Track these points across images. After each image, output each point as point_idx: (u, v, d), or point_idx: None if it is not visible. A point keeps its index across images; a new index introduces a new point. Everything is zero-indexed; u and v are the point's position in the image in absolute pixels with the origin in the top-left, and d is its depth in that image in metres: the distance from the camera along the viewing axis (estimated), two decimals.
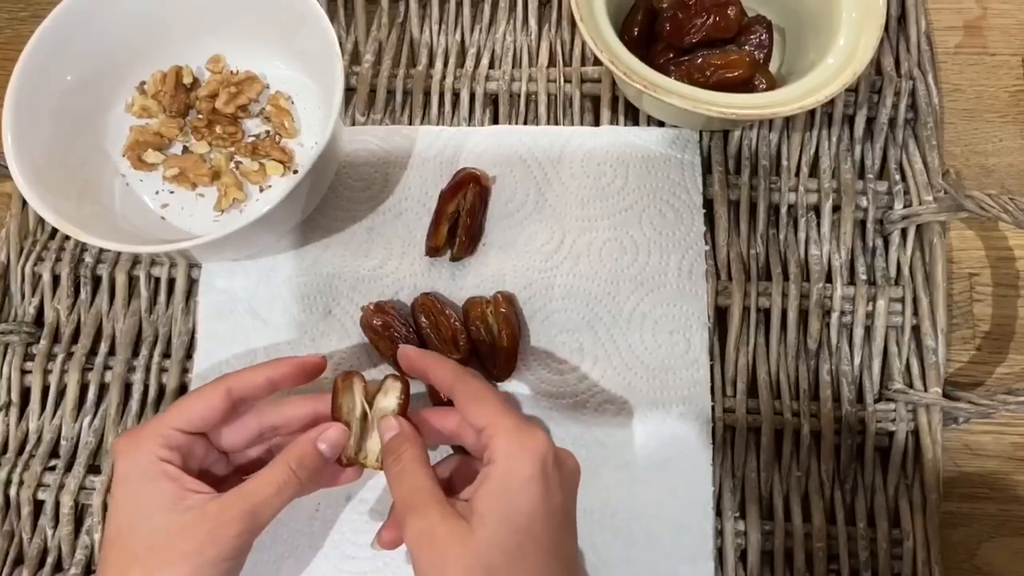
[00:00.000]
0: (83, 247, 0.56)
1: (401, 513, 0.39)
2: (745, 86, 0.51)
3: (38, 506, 0.52)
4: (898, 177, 0.55)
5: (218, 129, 0.55)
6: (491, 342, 0.50)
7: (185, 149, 0.56)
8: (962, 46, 0.60)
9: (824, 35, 0.51)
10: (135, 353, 0.54)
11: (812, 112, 0.56)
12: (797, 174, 0.55)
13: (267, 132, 0.56)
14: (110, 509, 0.40)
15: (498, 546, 0.37)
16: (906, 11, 0.58)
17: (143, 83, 0.56)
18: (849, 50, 0.49)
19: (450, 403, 0.44)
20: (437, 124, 0.58)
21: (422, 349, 0.47)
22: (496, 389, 0.42)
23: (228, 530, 0.38)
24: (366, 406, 0.44)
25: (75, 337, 0.54)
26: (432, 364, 0.45)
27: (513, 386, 0.51)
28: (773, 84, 0.52)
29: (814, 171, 0.56)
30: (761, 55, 0.53)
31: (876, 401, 0.51)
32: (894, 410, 0.51)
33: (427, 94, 0.58)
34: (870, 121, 0.56)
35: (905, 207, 0.54)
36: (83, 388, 0.53)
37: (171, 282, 0.55)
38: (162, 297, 0.55)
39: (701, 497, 0.49)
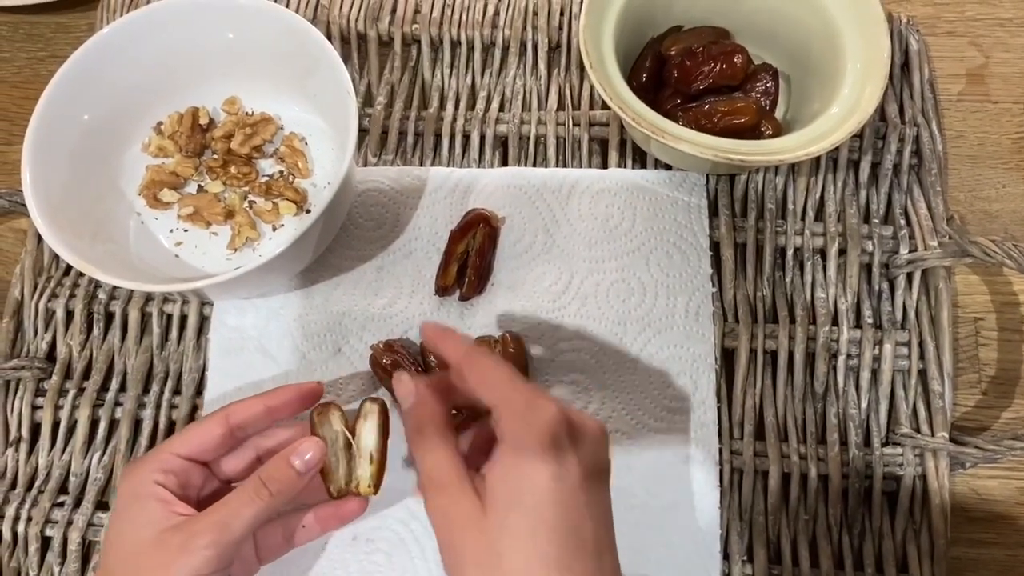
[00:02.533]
0: (97, 284, 0.56)
1: (423, 486, 0.39)
2: (751, 132, 0.52)
3: (45, 542, 0.52)
4: (903, 222, 0.55)
5: (233, 169, 0.56)
6: None
7: (200, 188, 0.57)
8: (965, 94, 0.61)
9: (829, 85, 0.51)
10: (146, 389, 0.54)
11: (817, 157, 0.57)
12: (803, 218, 0.56)
13: (281, 172, 0.57)
14: (105, 529, 0.41)
15: (509, 530, 0.36)
16: (909, 59, 0.60)
17: (160, 124, 0.57)
18: (854, 100, 0.49)
19: None
20: (448, 165, 0.58)
21: (438, 328, 0.44)
22: (507, 364, 0.40)
23: (199, 541, 0.39)
24: (348, 435, 0.45)
25: (87, 373, 0.55)
26: (442, 340, 0.42)
27: None
28: (779, 131, 0.53)
29: (820, 215, 0.56)
30: (767, 102, 0.54)
31: (883, 445, 0.52)
32: (901, 454, 0.51)
33: (438, 136, 0.59)
34: (875, 166, 0.57)
35: (910, 252, 0.54)
36: (93, 424, 0.54)
37: (183, 319, 0.55)
38: (174, 334, 0.55)
39: (708, 540, 0.49)
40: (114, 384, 0.54)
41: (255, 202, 0.56)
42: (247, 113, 0.58)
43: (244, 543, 0.42)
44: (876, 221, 0.56)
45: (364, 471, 0.44)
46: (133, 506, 0.41)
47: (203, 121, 0.57)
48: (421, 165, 0.59)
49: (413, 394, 0.41)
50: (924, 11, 0.63)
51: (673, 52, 0.55)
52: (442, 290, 0.54)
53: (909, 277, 0.54)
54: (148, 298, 0.56)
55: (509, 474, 0.37)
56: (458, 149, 0.59)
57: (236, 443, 0.45)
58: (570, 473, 0.36)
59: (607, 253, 0.55)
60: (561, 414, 0.37)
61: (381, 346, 0.52)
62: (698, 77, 0.53)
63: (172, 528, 0.39)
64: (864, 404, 0.52)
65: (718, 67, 0.53)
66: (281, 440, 0.45)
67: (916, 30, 0.60)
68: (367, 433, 0.45)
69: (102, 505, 0.52)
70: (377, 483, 0.45)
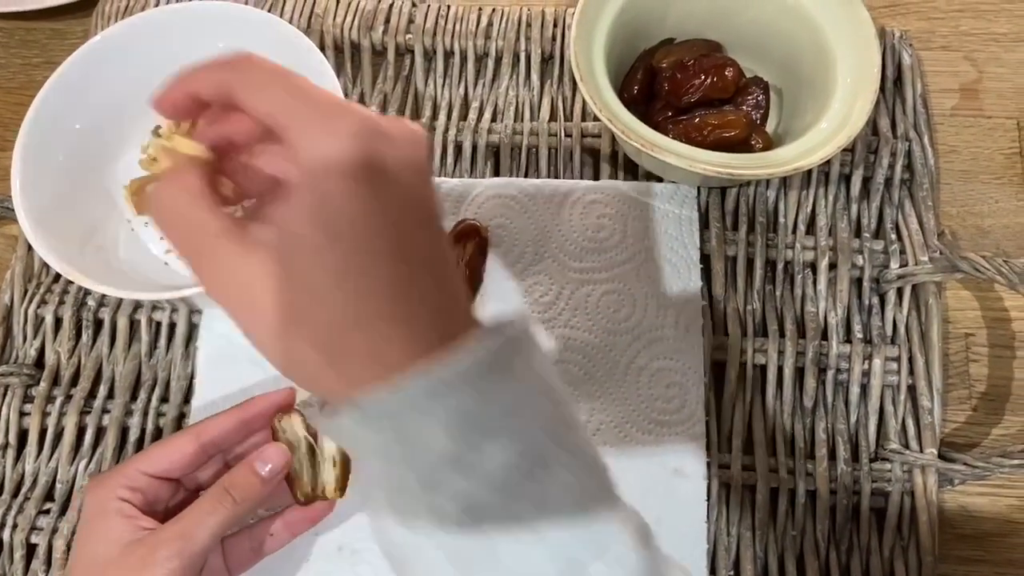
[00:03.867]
0: (86, 291, 0.56)
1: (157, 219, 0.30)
2: (742, 146, 0.52)
3: (31, 550, 0.52)
4: (894, 236, 0.55)
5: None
6: None
7: None
8: (958, 108, 0.61)
9: (820, 98, 0.51)
10: (133, 397, 0.54)
11: (809, 171, 0.57)
12: (794, 231, 0.56)
13: None
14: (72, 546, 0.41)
15: (309, 256, 0.27)
16: (902, 74, 0.60)
17: (158, 127, 0.57)
18: (844, 113, 0.49)
19: None
20: (439, 175, 0.58)
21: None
22: (295, 74, 0.29)
23: (161, 552, 0.38)
24: (310, 439, 0.44)
25: (75, 380, 0.55)
26: (190, 79, 0.30)
27: None
28: (769, 144, 0.53)
29: (811, 229, 0.56)
30: (758, 116, 0.54)
31: (872, 461, 0.51)
32: (890, 470, 0.51)
33: (430, 145, 0.59)
34: (866, 180, 0.57)
35: (901, 266, 0.54)
36: (80, 431, 0.53)
37: (172, 327, 0.55)
38: (162, 342, 0.55)
39: (695, 555, 0.49)
40: (102, 391, 0.54)
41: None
42: None
43: (212, 554, 0.42)
44: (867, 235, 0.56)
45: (329, 475, 0.44)
46: (97, 522, 0.40)
47: None
48: None
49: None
50: (918, 25, 0.63)
51: (664, 65, 0.55)
52: None
53: (899, 292, 0.54)
54: (137, 306, 0.56)
55: (306, 199, 0.27)
56: (450, 159, 0.59)
57: (208, 459, 0.44)
58: (391, 185, 0.28)
59: (598, 265, 0.55)
60: (369, 117, 0.28)
61: None
62: (689, 90, 0.54)
63: (135, 542, 0.39)
64: (853, 419, 0.52)
65: (709, 80, 0.53)
66: (247, 446, 0.45)
67: (909, 44, 0.60)
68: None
69: None
70: (343, 486, 0.44)
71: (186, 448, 0.42)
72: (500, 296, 0.54)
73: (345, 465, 0.45)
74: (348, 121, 0.27)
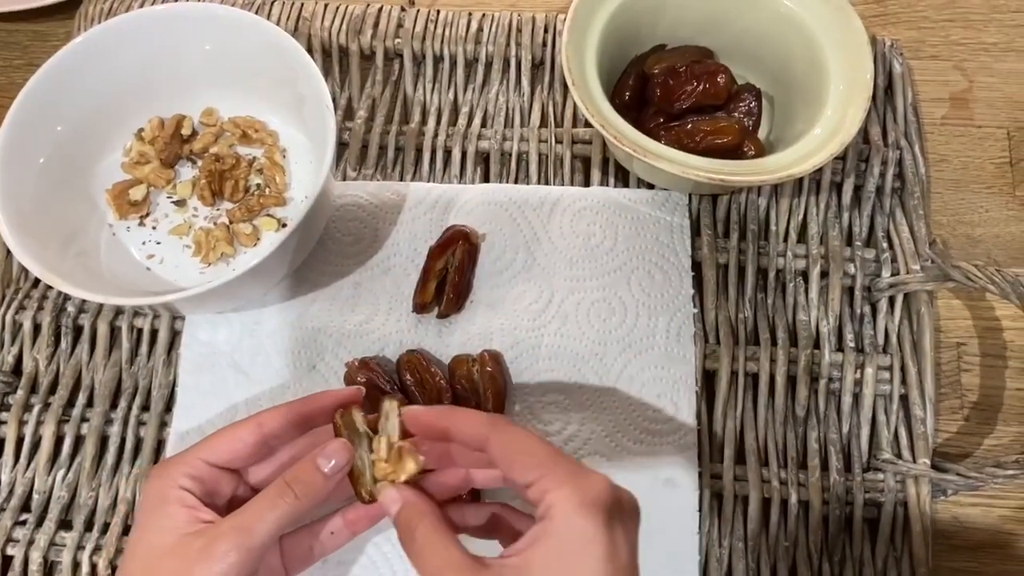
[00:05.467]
0: (66, 296, 0.55)
1: None
2: (734, 152, 0.52)
3: (7, 561, 0.50)
4: (885, 245, 0.55)
5: (214, 185, 0.55)
6: (476, 401, 0.50)
7: (180, 202, 0.56)
8: (948, 118, 0.61)
9: (813, 105, 0.51)
10: (113, 405, 0.53)
11: (800, 179, 0.56)
12: (785, 239, 0.56)
13: (258, 185, 0.56)
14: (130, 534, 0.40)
15: None
16: (893, 82, 0.59)
17: (141, 130, 0.56)
18: (837, 121, 0.49)
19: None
20: (428, 181, 0.58)
21: (433, 406, 0.41)
22: (537, 434, 0.37)
23: (220, 545, 0.37)
24: (372, 436, 0.42)
25: (53, 388, 0.53)
26: (456, 419, 0.39)
27: None
28: (761, 151, 0.53)
29: (802, 237, 0.56)
30: (750, 122, 0.54)
31: (864, 471, 0.51)
32: (882, 480, 0.50)
33: (419, 151, 0.59)
34: (858, 189, 0.57)
35: (893, 275, 0.54)
36: (58, 440, 0.52)
37: (153, 333, 0.54)
38: (144, 348, 0.54)
39: (687, 566, 0.48)
40: (81, 399, 0.53)
41: (233, 222, 0.55)
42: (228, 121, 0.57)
43: (270, 552, 0.41)
44: (859, 244, 0.55)
45: (409, 466, 0.42)
46: (156, 511, 0.39)
47: (185, 131, 0.56)
48: (401, 180, 0.58)
49: (398, 500, 0.38)
50: (909, 35, 0.63)
51: (656, 71, 0.55)
52: (420, 307, 0.53)
53: (891, 301, 0.54)
54: (118, 312, 0.54)
55: (559, 554, 0.33)
56: (439, 165, 0.58)
57: (269, 452, 0.43)
58: (622, 552, 0.34)
59: (588, 272, 0.54)
60: (611, 485, 0.35)
61: (356, 363, 0.51)
62: (681, 96, 0.53)
63: (193, 533, 0.37)
64: (845, 429, 0.52)
65: (701, 87, 0.53)
66: (309, 443, 0.43)
67: (900, 53, 0.60)
68: (390, 432, 0.43)
69: (65, 524, 0.51)
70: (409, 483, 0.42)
71: (248, 438, 0.41)
72: (489, 303, 0.53)
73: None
74: (597, 492, 0.34)
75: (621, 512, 0.35)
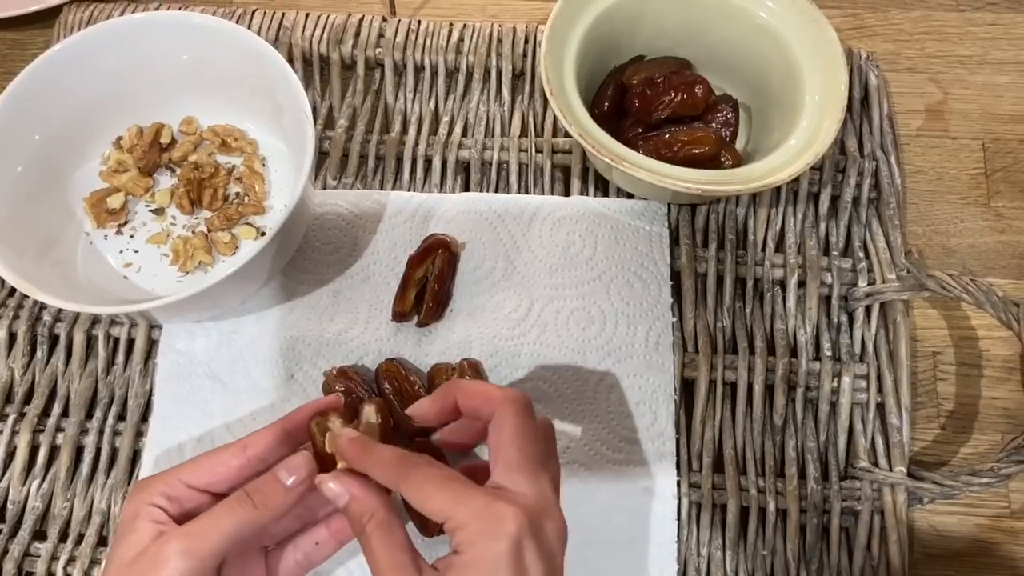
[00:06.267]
0: (42, 305, 0.54)
1: None
2: (711, 162, 0.52)
3: None
4: (862, 255, 0.55)
5: (192, 194, 0.55)
6: None
7: (159, 211, 0.56)
8: (924, 129, 0.62)
9: (789, 116, 0.52)
10: (89, 415, 0.52)
11: (778, 189, 0.57)
12: (763, 249, 0.56)
13: (237, 194, 0.56)
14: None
15: None
16: (869, 94, 0.60)
17: (119, 138, 0.56)
18: (812, 131, 0.50)
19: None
20: (409, 190, 0.58)
21: (360, 438, 0.40)
22: (450, 469, 0.38)
23: (168, 548, 0.37)
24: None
25: (28, 397, 0.53)
26: (363, 457, 0.39)
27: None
28: (739, 161, 0.53)
29: (780, 246, 0.56)
30: (727, 133, 0.55)
31: (841, 479, 0.51)
32: (859, 488, 0.51)
33: (399, 160, 0.59)
34: (835, 199, 0.57)
35: (869, 284, 0.54)
36: (33, 450, 0.52)
37: (130, 342, 0.54)
38: (120, 358, 0.53)
39: (666, 575, 0.48)
40: (56, 409, 0.52)
41: (211, 230, 0.55)
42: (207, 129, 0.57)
43: (254, 567, 0.41)
44: (835, 253, 0.56)
45: None
46: (127, 526, 0.39)
47: (164, 140, 0.56)
48: (382, 189, 0.58)
49: (345, 494, 0.39)
50: (884, 47, 0.64)
51: (635, 81, 0.55)
52: (399, 316, 0.53)
53: (868, 310, 0.54)
54: (95, 321, 0.54)
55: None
56: (420, 174, 0.58)
57: (255, 474, 0.42)
58: (532, 572, 0.35)
59: (568, 281, 0.54)
60: (522, 520, 0.35)
61: (334, 372, 0.50)
62: (659, 107, 0.54)
63: (151, 543, 0.37)
64: (823, 437, 0.52)
65: (679, 97, 0.53)
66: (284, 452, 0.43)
67: (876, 65, 0.61)
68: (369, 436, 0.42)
69: (40, 535, 0.50)
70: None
71: (231, 461, 0.41)
72: (469, 312, 0.53)
73: None
74: (502, 525, 0.35)
75: (537, 535, 0.36)
